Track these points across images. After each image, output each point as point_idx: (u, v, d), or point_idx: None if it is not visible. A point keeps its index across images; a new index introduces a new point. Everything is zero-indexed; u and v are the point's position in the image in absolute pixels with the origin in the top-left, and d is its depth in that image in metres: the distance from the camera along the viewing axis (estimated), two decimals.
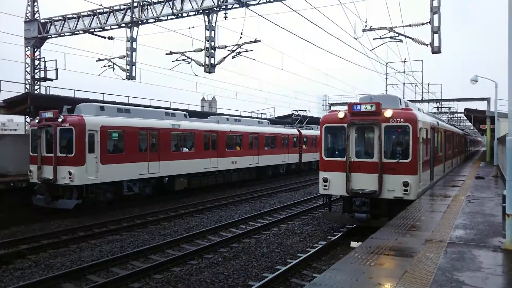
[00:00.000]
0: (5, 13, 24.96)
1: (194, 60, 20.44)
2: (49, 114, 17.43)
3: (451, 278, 5.77)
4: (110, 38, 23.45)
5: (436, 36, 16.78)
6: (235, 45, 19.82)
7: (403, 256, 6.85)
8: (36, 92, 25.46)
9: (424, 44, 17.28)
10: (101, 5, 21.42)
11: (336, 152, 13.92)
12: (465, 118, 51.50)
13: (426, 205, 11.80)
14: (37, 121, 17.95)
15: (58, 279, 9.47)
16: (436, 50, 16.82)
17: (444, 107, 48.64)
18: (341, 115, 13.40)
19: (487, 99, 33.77)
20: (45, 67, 25.75)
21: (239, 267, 10.56)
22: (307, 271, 10.29)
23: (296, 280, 9.62)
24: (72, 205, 16.90)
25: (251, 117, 42.48)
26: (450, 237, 8.10)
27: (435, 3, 16.65)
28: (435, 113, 43.06)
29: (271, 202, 21.23)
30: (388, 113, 12.68)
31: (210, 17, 19.39)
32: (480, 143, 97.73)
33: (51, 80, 25.85)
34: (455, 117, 57.08)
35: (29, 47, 25.63)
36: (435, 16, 16.67)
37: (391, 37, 18.54)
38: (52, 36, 25.05)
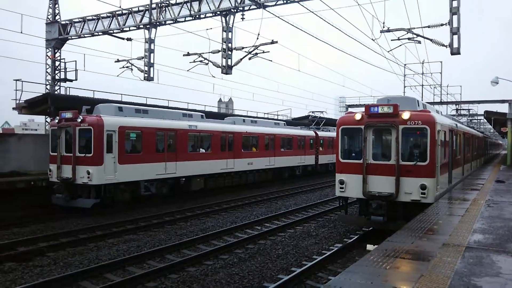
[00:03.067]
0: (28, 15, 25.43)
1: (211, 61, 20.54)
2: (68, 114, 17.73)
3: (468, 283, 5.69)
4: (129, 39, 23.74)
5: (455, 37, 16.54)
6: (252, 46, 19.86)
7: (419, 260, 6.77)
8: (56, 92, 25.91)
9: (443, 45, 17.07)
10: (120, 7, 21.69)
11: (353, 154, 13.84)
12: (485, 121, 50.60)
13: (444, 209, 11.64)
14: (57, 121, 18.27)
15: (76, 277, 9.62)
16: (455, 52, 16.58)
17: (463, 109, 47.90)
18: (358, 116, 13.31)
19: (508, 101, 33.13)
20: (65, 68, 26.20)
21: (254, 268, 10.58)
22: (323, 273, 10.25)
23: (311, 282, 9.59)
24: (90, 204, 17.14)
25: (267, 118, 42.48)
26: (468, 241, 7.97)
27: (455, 4, 16.43)
28: (454, 115, 42.45)
29: (287, 204, 21.20)
30: (405, 115, 12.55)
31: (227, 18, 19.49)
32: (501, 146, 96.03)
33: (71, 80, 26.28)
34: (475, 119, 56.13)
35: (50, 48, 26.09)
36: (455, 17, 16.45)
37: (409, 38, 18.36)
38: (72, 37, 25.46)
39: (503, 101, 33.84)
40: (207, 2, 19.99)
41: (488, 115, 37.49)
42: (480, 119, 55.97)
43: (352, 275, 6.07)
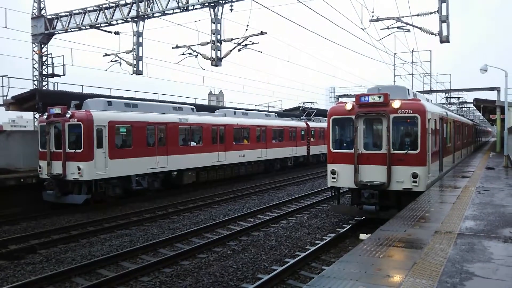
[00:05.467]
0: (12, 10, 24.94)
1: (201, 54, 20.38)
2: (57, 110, 17.53)
3: (461, 269, 5.73)
4: (117, 33, 23.45)
5: (444, 25, 16.56)
6: (241, 37, 19.73)
7: (412, 248, 6.81)
8: (44, 88, 25.58)
9: (432, 33, 17.08)
10: None
11: (344, 144, 13.86)
12: (475, 108, 50.94)
13: (435, 196, 11.72)
14: (45, 117, 18.05)
15: (69, 274, 9.56)
16: (444, 40, 16.61)
17: (453, 98, 48.17)
18: (348, 106, 13.32)
19: (497, 89, 33.30)
20: (53, 63, 25.84)
21: (248, 260, 10.59)
22: (316, 263, 10.29)
23: (305, 273, 9.62)
24: (81, 200, 17.03)
25: (258, 110, 42.41)
26: (460, 228, 8.04)
27: None
28: (444, 103, 42.69)
29: (279, 195, 21.23)
30: (396, 104, 12.57)
31: (216, 10, 19.29)
32: (490, 133, 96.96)
33: (59, 76, 25.95)
34: (465, 107, 56.52)
35: (37, 44, 25.71)
36: (443, 5, 16.45)
37: (398, 27, 18.35)
38: (59, 32, 25.09)
39: (492, 89, 33.99)
40: None
41: (477, 102, 37.71)
42: (469, 107, 56.38)
43: (345, 264, 6.09)
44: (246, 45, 19.80)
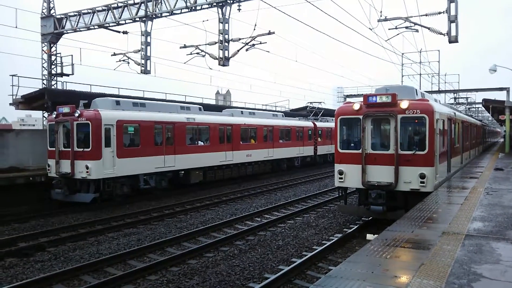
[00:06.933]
0: (23, 10, 25.18)
1: (208, 53, 20.43)
2: (66, 109, 17.66)
3: (468, 270, 5.70)
4: (125, 32, 23.58)
5: (453, 25, 16.47)
6: (249, 37, 19.75)
7: (419, 249, 6.78)
8: (53, 87, 25.78)
9: (440, 33, 16.99)
10: None
11: (352, 144, 13.84)
12: (483, 109, 50.54)
13: (443, 197, 11.65)
14: (54, 116, 18.18)
15: (77, 272, 9.63)
16: (453, 40, 16.52)
17: (461, 98, 47.83)
18: (356, 106, 13.28)
19: (506, 89, 33.06)
20: (62, 63, 26.07)
21: (255, 259, 10.60)
22: (323, 263, 10.28)
23: (311, 273, 9.62)
24: (89, 198, 17.14)
25: (265, 110, 42.41)
26: (467, 229, 7.99)
27: None
28: (452, 104, 42.42)
29: (286, 195, 21.22)
30: (404, 104, 12.52)
31: (223, 9, 19.34)
32: (499, 134, 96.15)
33: (68, 75, 26.18)
34: (473, 107, 56.10)
35: (46, 43, 25.92)
36: (452, 5, 16.36)
37: (406, 27, 18.27)
38: (68, 31, 25.28)
39: (501, 89, 33.76)
40: None
41: (486, 103, 37.43)
42: (478, 107, 55.95)
43: (352, 265, 6.08)
44: (253, 44, 19.82)
